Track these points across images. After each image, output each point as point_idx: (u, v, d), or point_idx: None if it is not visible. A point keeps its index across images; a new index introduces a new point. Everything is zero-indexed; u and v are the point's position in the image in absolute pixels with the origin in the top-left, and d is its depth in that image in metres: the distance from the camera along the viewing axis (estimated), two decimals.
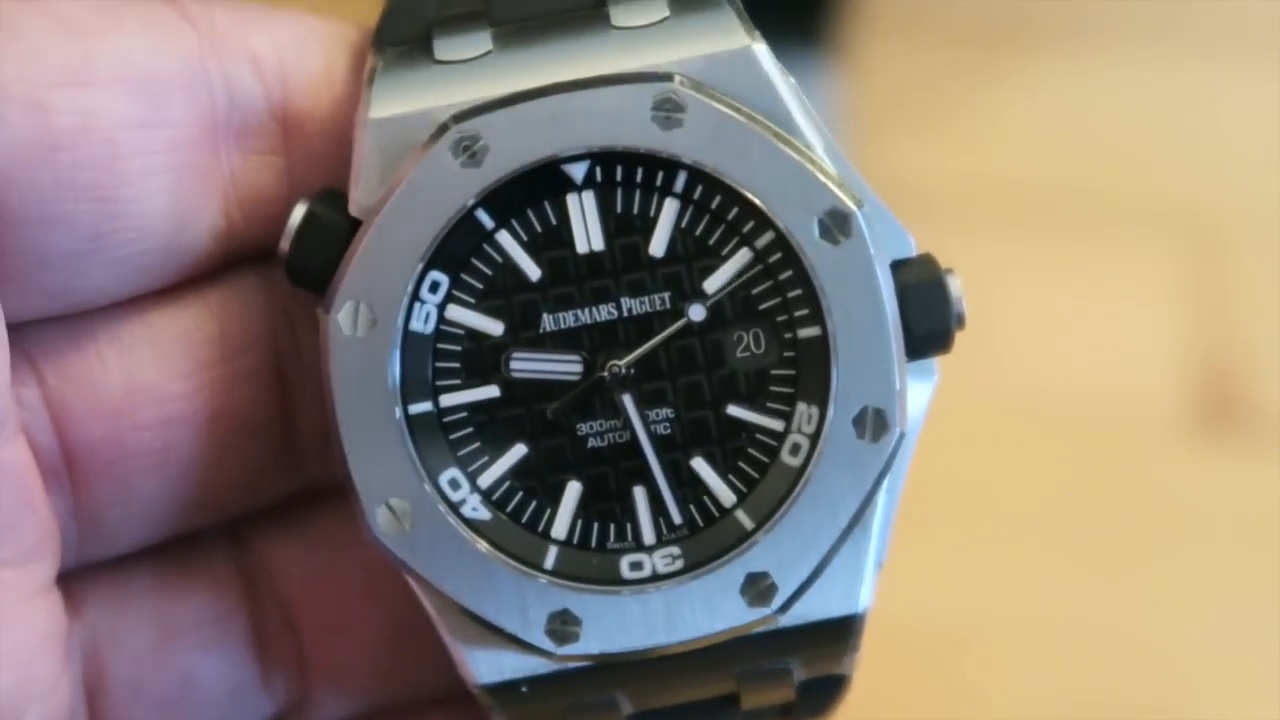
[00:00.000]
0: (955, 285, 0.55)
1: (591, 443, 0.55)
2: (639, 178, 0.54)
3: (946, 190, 1.17)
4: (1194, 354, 1.12)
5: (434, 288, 0.54)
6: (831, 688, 0.57)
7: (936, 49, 1.23)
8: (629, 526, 0.55)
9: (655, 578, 0.54)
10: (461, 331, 0.54)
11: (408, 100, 0.53)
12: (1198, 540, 1.06)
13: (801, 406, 0.54)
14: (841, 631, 0.55)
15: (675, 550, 0.54)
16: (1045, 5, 1.24)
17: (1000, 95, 1.21)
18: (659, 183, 0.54)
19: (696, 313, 0.54)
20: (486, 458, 0.54)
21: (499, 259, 0.54)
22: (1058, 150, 1.20)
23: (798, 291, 0.54)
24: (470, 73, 0.54)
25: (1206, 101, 1.21)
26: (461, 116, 0.53)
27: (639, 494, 0.55)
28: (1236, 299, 1.14)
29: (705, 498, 0.55)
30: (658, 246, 0.54)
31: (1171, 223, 1.16)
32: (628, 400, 0.54)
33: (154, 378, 0.54)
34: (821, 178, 0.53)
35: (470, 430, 0.54)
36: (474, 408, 0.54)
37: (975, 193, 1.18)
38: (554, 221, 0.54)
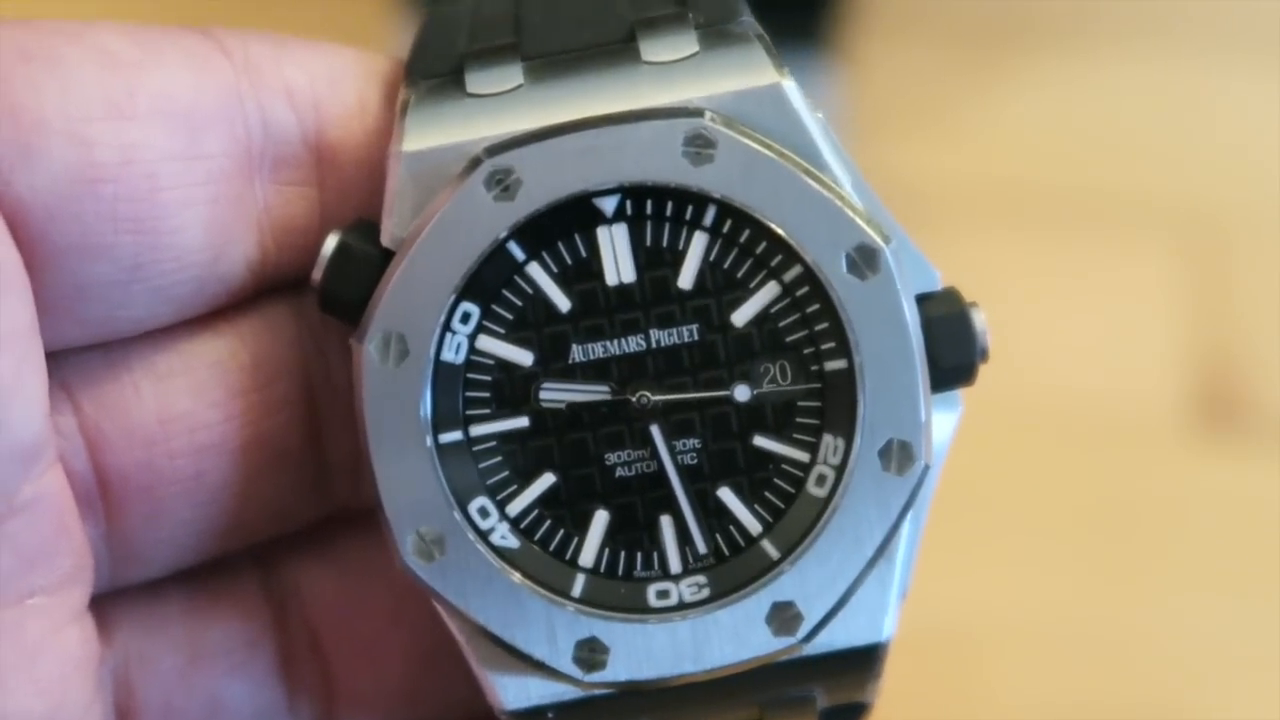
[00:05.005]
0: (980, 319, 0.55)
1: (619, 472, 0.55)
2: (669, 212, 0.54)
3: (946, 190, 1.17)
4: (1194, 353, 1.13)
5: (465, 318, 0.54)
6: (853, 715, 0.57)
7: (936, 49, 1.24)
8: (656, 555, 0.55)
9: (682, 606, 0.55)
10: (492, 362, 0.55)
11: (441, 133, 0.54)
12: (1198, 539, 1.07)
13: (827, 438, 0.55)
14: (865, 660, 0.55)
15: (701, 579, 0.55)
16: (1045, 5, 1.24)
17: (1000, 95, 1.22)
18: (688, 217, 0.54)
19: (742, 394, 0.55)
20: (515, 486, 0.55)
21: (529, 290, 0.55)
22: (1058, 150, 1.20)
23: (824, 325, 0.54)
24: (502, 106, 0.54)
25: (1206, 101, 1.21)
26: (494, 150, 0.53)
27: (665, 523, 0.55)
28: (1237, 299, 1.15)
29: (731, 527, 0.55)
30: (686, 279, 0.55)
31: (1171, 222, 1.17)
32: (655, 431, 0.55)
33: (188, 406, 0.55)
34: (850, 213, 0.54)
35: (500, 459, 0.55)
36: (503, 437, 0.55)
37: (975, 193, 1.18)
38: (584, 254, 0.54)
